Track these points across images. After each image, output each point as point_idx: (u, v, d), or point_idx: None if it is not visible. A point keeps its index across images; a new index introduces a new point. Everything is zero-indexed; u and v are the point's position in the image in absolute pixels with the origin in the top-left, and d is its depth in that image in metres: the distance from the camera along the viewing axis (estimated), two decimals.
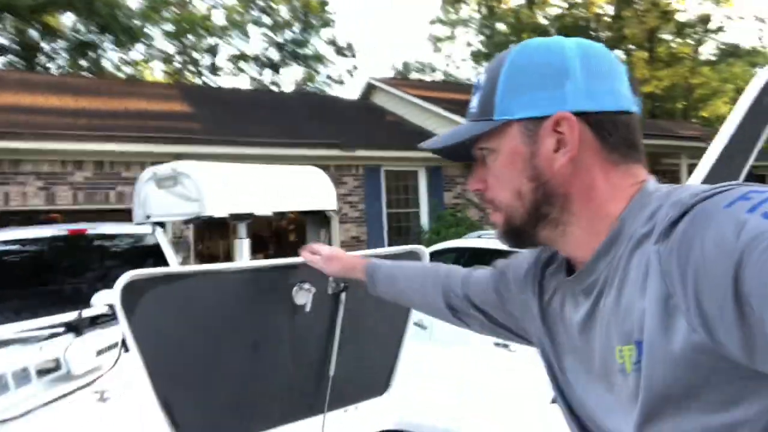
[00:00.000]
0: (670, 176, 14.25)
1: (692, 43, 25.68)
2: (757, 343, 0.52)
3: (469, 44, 32.49)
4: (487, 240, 4.25)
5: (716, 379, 0.57)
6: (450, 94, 15.25)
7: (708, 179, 1.47)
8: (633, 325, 0.64)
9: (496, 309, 1.00)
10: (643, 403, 0.62)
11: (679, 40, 25.42)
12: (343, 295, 1.47)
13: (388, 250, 1.53)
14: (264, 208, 1.74)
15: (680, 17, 24.12)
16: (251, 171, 1.79)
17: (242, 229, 1.79)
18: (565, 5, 25.15)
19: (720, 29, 25.12)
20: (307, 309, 1.40)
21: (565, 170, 0.72)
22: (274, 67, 29.49)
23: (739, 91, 27.82)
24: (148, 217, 1.74)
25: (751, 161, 1.50)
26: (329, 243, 9.37)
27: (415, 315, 4.33)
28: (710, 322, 0.55)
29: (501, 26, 29.02)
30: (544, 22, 26.91)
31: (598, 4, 22.94)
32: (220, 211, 1.60)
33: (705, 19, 24.04)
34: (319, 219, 11.49)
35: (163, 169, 1.66)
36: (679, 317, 0.58)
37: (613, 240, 0.70)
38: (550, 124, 0.71)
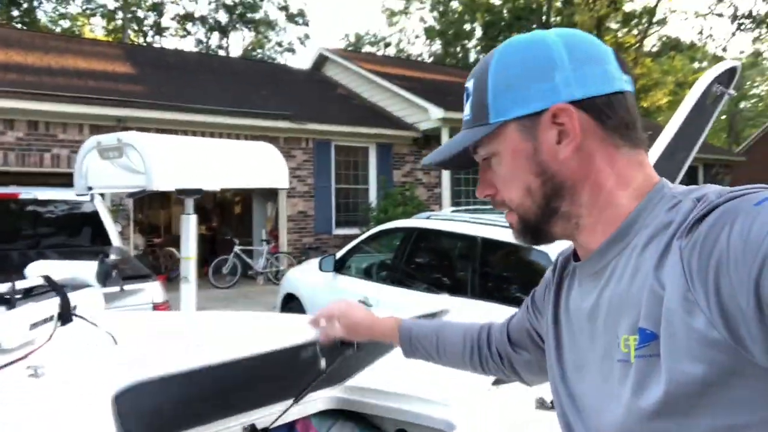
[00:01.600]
0: None
1: (637, 33, 26.46)
2: None
3: (422, 20, 32.42)
4: (436, 221, 4.30)
5: (731, 378, 0.56)
6: (403, 70, 15.21)
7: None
8: (639, 314, 0.63)
9: (532, 344, 0.99)
10: (661, 397, 0.60)
11: (625, 30, 26.16)
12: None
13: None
14: (213, 183, 1.70)
15: (627, 8, 24.80)
16: (200, 144, 1.73)
17: (189, 204, 1.74)
18: None
19: (663, 21, 25.96)
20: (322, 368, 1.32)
21: (571, 161, 0.71)
22: (222, 30, 28.53)
23: (679, 84, 29.01)
24: (90, 188, 1.67)
25: (691, 158, 1.56)
26: (276, 217, 9.26)
27: (360, 293, 4.35)
28: (731, 318, 0.54)
29: (455, 4, 29.03)
30: (497, 2, 27.08)
31: None
32: (167, 186, 1.54)
33: (650, 11, 24.75)
34: (267, 193, 11.32)
35: (108, 138, 1.58)
36: (698, 313, 0.57)
37: (627, 228, 0.70)
38: (548, 118, 0.71)
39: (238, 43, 34.59)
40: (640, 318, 0.63)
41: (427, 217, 4.51)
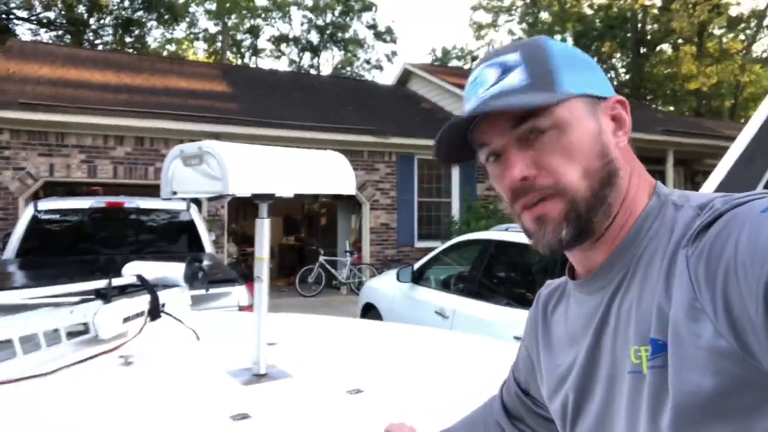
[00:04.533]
0: None
1: (744, 39, 24.74)
2: None
3: (511, 32, 32.01)
4: (514, 233, 4.24)
5: (741, 388, 0.55)
6: None
7: (726, 182, 1.45)
8: (650, 324, 0.62)
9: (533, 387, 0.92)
10: (673, 409, 0.58)
11: (730, 35, 24.53)
12: None
13: None
14: (285, 189, 1.79)
15: (732, 11, 23.26)
16: (274, 153, 1.84)
17: (263, 209, 1.84)
18: None
19: None
20: None
21: (623, 151, 0.71)
22: (314, 50, 29.61)
23: None
24: (174, 193, 1.81)
25: None
26: (359, 228, 9.46)
27: (436, 304, 4.35)
28: (738, 326, 0.53)
29: (544, 15, 28.48)
30: (588, 11, 26.29)
31: None
32: (242, 191, 1.65)
33: (759, 14, 23.09)
34: (351, 205, 11.58)
35: (190, 147, 1.72)
36: (705, 322, 0.56)
37: (632, 239, 0.68)
38: (610, 105, 0.71)
39: (328, 61, 35.90)
40: (652, 329, 0.61)
41: (506, 229, 4.45)
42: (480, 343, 2.58)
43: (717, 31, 24.62)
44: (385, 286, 5.51)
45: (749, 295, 0.52)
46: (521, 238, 4.19)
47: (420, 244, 11.04)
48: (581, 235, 0.68)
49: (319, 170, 1.85)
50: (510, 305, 3.85)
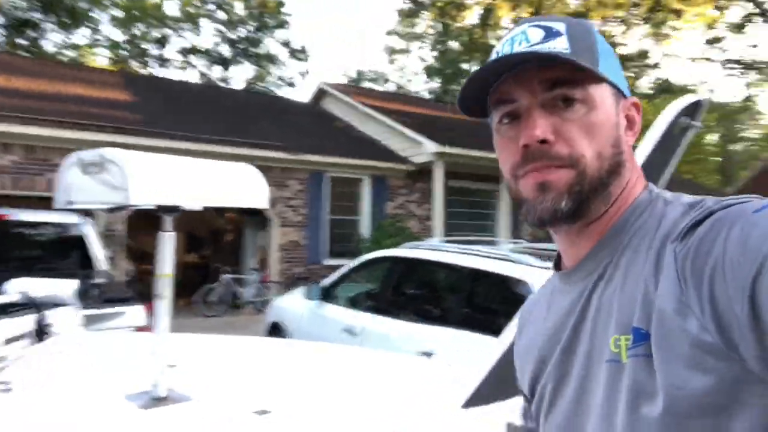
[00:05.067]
0: None
1: (632, 75, 26.98)
2: None
3: (422, 59, 33.00)
4: (422, 251, 4.31)
5: (726, 384, 0.54)
6: (400, 105, 15.42)
7: None
8: (633, 313, 0.62)
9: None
10: (665, 402, 0.57)
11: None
12: None
13: None
14: (192, 202, 1.72)
15: (622, 50, 25.34)
16: (182, 163, 1.76)
17: (168, 222, 1.76)
18: None
19: (656, 65, 26.54)
20: None
21: (629, 150, 0.73)
22: (225, 64, 28.95)
23: None
24: (70, 203, 1.69)
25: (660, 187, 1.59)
26: (268, 246, 9.20)
27: (345, 322, 4.32)
28: (724, 323, 0.53)
29: (454, 44, 29.62)
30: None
31: None
32: (145, 202, 1.57)
33: (643, 54, 25.31)
34: (259, 221, 11.33)
35: (90, 154, 1.61)
36: (690, 317, 0.56)
37: (620, 228, 0.70)
38: (627, 105, 0.74)
39: (240, 76, 35.24)
40: (635, 318, 0.61)
41: (414, 247, 4.53)
42: (387, 359, 2.58)
43: None
44: (292, 305, 5.41)
45: (735, 292, 0.52)
46: (430, 256, 4.28)
47: (329, 262, 10.97)
48: (576, 213, 0.69)
49: (230, 183, 1.79)
50: (419, 321, 3.89)
